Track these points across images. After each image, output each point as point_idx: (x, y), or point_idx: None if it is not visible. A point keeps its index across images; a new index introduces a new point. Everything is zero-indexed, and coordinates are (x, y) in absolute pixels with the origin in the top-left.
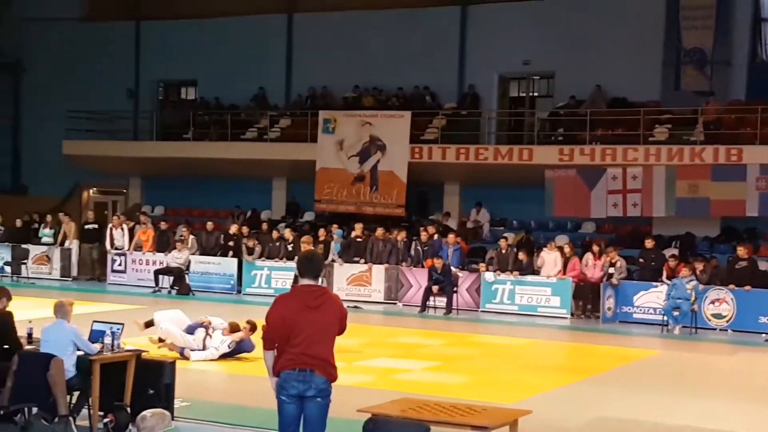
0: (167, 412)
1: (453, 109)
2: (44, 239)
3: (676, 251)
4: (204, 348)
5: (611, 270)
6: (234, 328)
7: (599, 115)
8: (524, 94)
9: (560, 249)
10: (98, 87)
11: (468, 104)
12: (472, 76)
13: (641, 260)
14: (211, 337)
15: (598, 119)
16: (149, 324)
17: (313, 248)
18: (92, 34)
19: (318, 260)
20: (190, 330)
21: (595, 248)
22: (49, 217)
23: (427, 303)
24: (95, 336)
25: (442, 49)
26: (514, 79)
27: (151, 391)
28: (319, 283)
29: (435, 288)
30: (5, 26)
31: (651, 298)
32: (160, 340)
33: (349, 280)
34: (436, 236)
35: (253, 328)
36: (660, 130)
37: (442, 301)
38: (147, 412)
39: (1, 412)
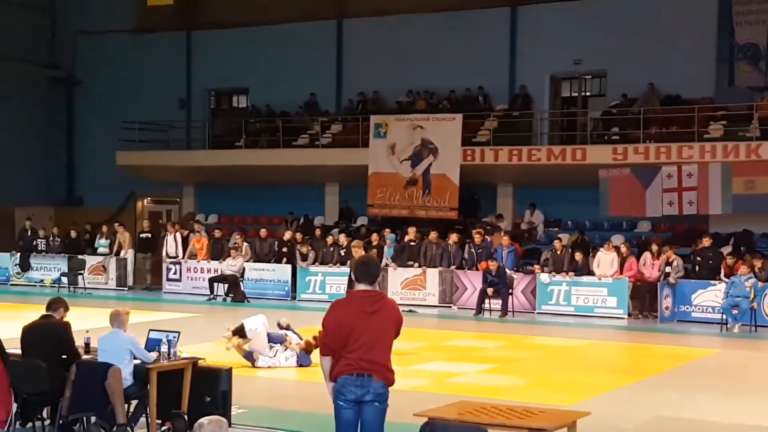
0: (224, 419)
1: (504, 110)
2: (100, 249)
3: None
4: (274, 356)
5: (668, 269)
6: (308, 350)
7: (653, 113)
8: (576, 94)
9: (617, 249)
10: (151, 97)
11: (519, 105)
12: (523, 77)
13: (698, 258)
14: (284, 348)
15: (651, 117)
16: (237, 331)
17: (367, 253)
18: (144, 46)
19: (374, 265)
20: (271, 339)
21: (653, 247)
22: (104, 228)
23: (483, 305)
24: (151, 344)
25: (492, 50)
26: (566, 79)
27: (208, 399)
28: (376, 288)
29: (490, 290)
30: (59, 40)
31: (709, 297)
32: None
33: (403, 284)
34: (488, 238)
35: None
36: (715, 127)
37: (497, 304)
38: (204, 420)
39: (60, 422)
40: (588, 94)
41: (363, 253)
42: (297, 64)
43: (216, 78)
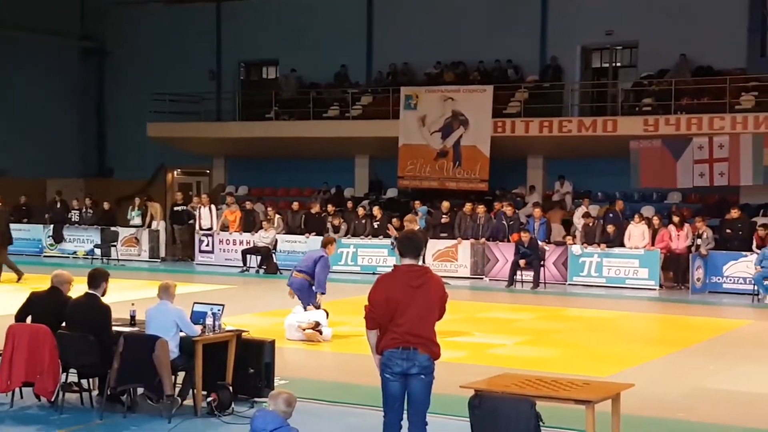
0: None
1: (535, 81)
2: (133, 221)
3: (766, 220)
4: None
5: (698, 241)
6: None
7: (684, 84)
8: (607, 65)
9: (648, 220)
10: (181, 69)
11: (550, 76)
12: (554, 47)
13: (727, 231)
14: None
15: (683, 89)
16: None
17: (415, 227)
18: (174, 17)
19: (418, 239)
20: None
21: (675, 219)
22: (136, 200)
23: (515, 277)
24: (196, 317)
25: (523, 21)
26: (597, 50)
27: (252, 370)
28: (420, 262)
29: (522, 262)
30: (89, 11)
31: (740, 268)
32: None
33: (435, 255)
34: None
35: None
36: (746, 97)
37: (528, 276)
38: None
39: (109, 393)
40: (619, 65)
41: (416, 227)
42: (327, 35)
43: (246, 49)
